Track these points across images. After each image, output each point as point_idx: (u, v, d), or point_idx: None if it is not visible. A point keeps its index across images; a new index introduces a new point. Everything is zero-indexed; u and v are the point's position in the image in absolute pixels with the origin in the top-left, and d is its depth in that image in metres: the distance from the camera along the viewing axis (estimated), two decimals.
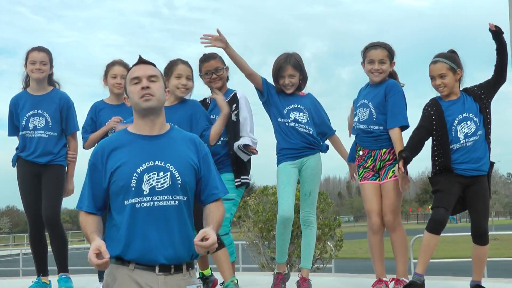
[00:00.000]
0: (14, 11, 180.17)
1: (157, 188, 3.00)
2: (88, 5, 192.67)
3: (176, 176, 3.03)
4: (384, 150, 4.79)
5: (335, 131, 5.21)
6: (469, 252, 4.81)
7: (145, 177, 3.00)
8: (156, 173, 3.01)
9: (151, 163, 3.03)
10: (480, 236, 4.61)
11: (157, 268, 2.98)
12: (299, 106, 4.96)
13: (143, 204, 2.98)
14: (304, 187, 5.01)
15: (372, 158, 4.81)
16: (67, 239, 5.46)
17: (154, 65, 3.24)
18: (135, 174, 3.00)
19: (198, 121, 4.66)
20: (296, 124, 4.93)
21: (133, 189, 2.98)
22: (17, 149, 5.36)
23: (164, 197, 3.00)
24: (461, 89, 4.72)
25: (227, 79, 5.06)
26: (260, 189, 13.54)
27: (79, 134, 5.49)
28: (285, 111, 4.96)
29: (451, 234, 14.49)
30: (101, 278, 5.19)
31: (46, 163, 5.26)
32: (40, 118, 5.26)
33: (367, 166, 4.83)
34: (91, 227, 3.03)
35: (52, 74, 5.44)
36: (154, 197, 2.99)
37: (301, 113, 4.96)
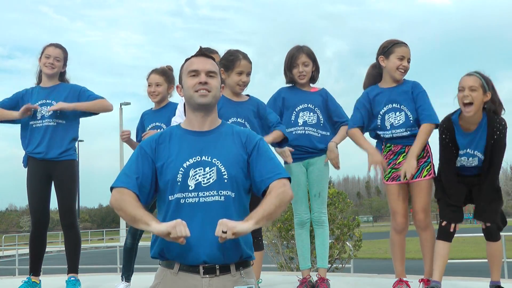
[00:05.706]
0: (38, 11, 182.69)
1: (203, 183, 2.90)
2: (110, 4, 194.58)
3: (222, 170, 2.92)
4: None
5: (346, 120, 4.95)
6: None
7: (191, 172, 2.91)
8: (202, 168, 2.92)
9: (198, 158, 2.95)
10: (490, 233, 4.63)
11: (201, 270, 2.87)
12: (309, 105, 4.90)
13: (187, 200, 2.89)
14: (313, 189, 4.99)
15: (405, 154, 4.69)
16: (81, 240, 5.43)
17: (214, 59, 3.13)
18: (181, 169, 2.92)
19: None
20: (306, 128, 4.91)
21: (178, 184, 2.90)
22: (24, 147, 5.28)
23: (209, 193, 2.89)
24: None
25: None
26: None
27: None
28: (293, 116, 4.93)
29: (470, 235, 14.36)
30: (127, 280, 5.18)
31: (57, 158, 5.19)
32: (49, 107, 5.22)
33: (397, 162, 4.73)
34: (140, 209, 2.83)
35: (65, 72, 5.44)
36: (199, 193, 2.89)
37: (311, 113, 4.91)
